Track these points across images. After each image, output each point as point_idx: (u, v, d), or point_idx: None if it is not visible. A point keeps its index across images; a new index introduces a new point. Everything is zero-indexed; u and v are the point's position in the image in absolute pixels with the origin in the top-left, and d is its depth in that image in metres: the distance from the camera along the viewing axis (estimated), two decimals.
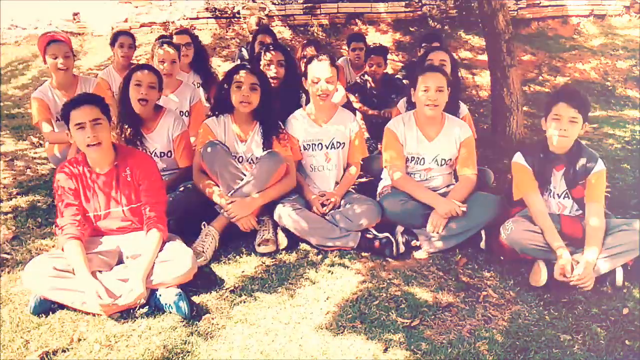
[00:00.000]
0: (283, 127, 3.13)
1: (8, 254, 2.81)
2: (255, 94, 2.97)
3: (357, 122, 3.25)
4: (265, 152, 2.99)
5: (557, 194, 2.73)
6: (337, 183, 3.19)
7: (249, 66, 3.09)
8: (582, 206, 2.68)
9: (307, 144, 3.17)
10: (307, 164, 3.19)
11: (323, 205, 3.00)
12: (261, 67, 3.49)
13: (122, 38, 4.37)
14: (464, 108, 3.48)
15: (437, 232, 2.82)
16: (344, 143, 3.19)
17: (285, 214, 2.87)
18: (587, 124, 2.63)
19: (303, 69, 4.03)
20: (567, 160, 2.67)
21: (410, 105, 3.27)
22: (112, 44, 4.41)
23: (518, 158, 2.76)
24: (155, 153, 3.17)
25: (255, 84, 2.97)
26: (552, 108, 2.61)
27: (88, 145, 2.39)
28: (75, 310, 2.28)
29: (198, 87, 4.31)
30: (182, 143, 3.19)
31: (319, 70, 3.01)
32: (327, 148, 3.16)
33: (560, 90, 3.03)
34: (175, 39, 4.21)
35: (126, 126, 3.04)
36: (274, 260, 2.76)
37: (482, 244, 2.84)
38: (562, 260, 2.45)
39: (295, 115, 3.24)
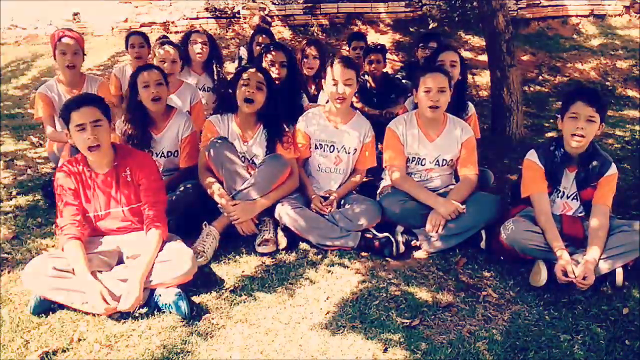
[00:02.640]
0: (287, 130, 3.13)
1: (8, 253, 2.82)
2: (260, 93, 2.97)
3: (371, 131, 3.23)
4: (268, 155, 2.99)
5: (567, 195, 2.72)
6: (339, 186, 3.18)
7: (257, 67, 3.10)
8: (588, 209, 2.67)
9: (319, 144, 3.16)
10: (315, 163, 3.18)
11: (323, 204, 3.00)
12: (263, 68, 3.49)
13: (132, 38, 4.44)
14: (471, 107, 3.47)
15: (436, 232, 2.83)
16: (355, 149, 3.18)
17: (284, 212, 2.87)
18: (603, 125, 2.61)
19: (305, 69, 4.06)
20: (580, 162, 2.66)
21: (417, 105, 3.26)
22: (126, 46, 4.49)
23: (531, 156, 2.75)
24: (163, 153, 3.18)
25: (262, 83, 2.98)
26: (570, 107, 2.58)
27: (89, 147, 2.39)
28: (75, 310, 2.28)
29: (208, 91, 4.31)
30: (189, 144, 3.21)
31: (338, 72, 2.99)
32: (338, 151, 3.15)
33: (578, 89, 2.99)
34: (192, 37, 4.22)
35: (136, 129, 3.06)
36: (274, 260, 2.76)
37: (482, 244, 2.84)
38: (561, 261, 2.45)
39: (313, 111, 3.22)
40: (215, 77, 4.36)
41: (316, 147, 3.16)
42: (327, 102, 3.22)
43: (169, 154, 3.21)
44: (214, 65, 4.37)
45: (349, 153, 3.16)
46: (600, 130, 2.60)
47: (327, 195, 3.08)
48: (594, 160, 2.65)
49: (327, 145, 3.15)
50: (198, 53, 4.18)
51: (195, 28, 7.16)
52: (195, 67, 4.30)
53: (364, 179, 3.34)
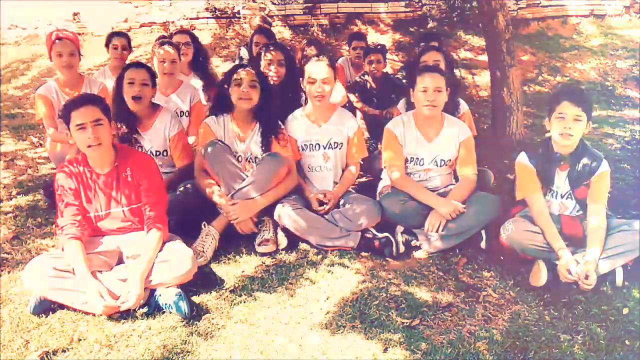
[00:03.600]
0: (283, 127, 3.13)
1: (8, 253, 2.82)
2: (254, 91, 2.98)
3: (356, 122, 3.25)
4: (266, 153, 2.99)
5: (561, 195, 2.72)
6: (335, 183, 3.19)
7: (247, 65, 3.10)
8: (585, 207, 2.67)
9: (305, 145, 3.17)
10: (305, 164, 3.20)
11: (322, 203, 3.00)
12: (262, 67, 3.49)
13: (115, 40, 4.37)
14: (463, 105, 3.48)
15: (435, 232, 2.83)
16: (342, 143, 3.18)
17: (284, 213, 2.87)
18: (590, 123, 2.61)
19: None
20: (571, 161, 2.67)
21: (410, 106, 3.28)
22: (107, 45, 4.42)
23: (522, 158, 2.76)
24: (151, 152, 3.18)
25: (255, 81, 2.98)
26: (556, 107, 2.60)
27: (89, 146, 2.39)
28: (75, 310, 2.28)
29: (200, 89, 4.30)
30: (179, 143, 3.20)
31: (315, 71, 3.01)
32: (324, 148, 3.16)
33: (563, 89, 3.01)
34: (174, 38, 4.21)
35: (121, 124, 3.04)
36: (274, 260, 2.76)
37: (483, 244, 2.84)
38: (563, 260, 2.46)
39: (294, 115, 3.24)
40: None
41: (303, 149, 3.17)
42: (307, 102, 3.23)
43: (158, 153, 3.19)
44: (204, 64, 4.36)
45: (335, 148, 3.17)
46: (587, 128, 2.61)
47: (324, 194, 3.08)
48: (584, 158, 2.65)
49: (313, 145, 3.16)
50: (182, 53, 4.17)
51: (197, 29, 7.18)
52: (181, 68, 4.28)
53: (363, 177, 3.33)
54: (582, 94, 2.63)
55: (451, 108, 3.27)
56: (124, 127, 3.05)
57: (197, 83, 4.26)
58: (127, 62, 4.52)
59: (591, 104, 2.63)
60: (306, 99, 3.73)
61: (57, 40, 3.60)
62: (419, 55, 3.60)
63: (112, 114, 3.03)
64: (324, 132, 3.16)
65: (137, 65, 3.14)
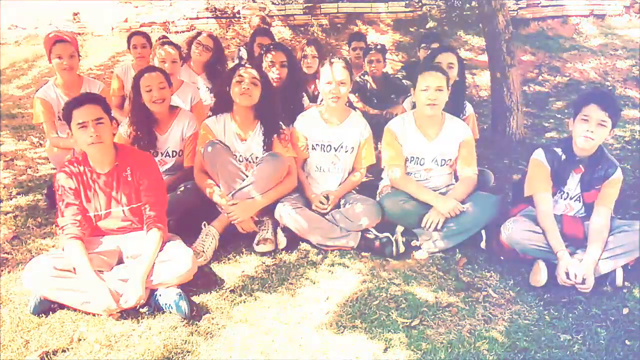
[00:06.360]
0: (284, 127, 3.13)
1: (8, 254, 2.82)
2: (256, 88, 2.98)
3: (368, 129, 3.23)
4: (267, 153, 2.99)
5: (570, 197, 2.72)
6: (339, 185, 3.18)
7: (249, 64, 3.11)
8: (590, 211, 2.67)
9: (316, 144, 3.16)
10: (313, 163, 3.19)
11: (322, 203, 3.00)
12: (263, 68, 3.49)
13: (134, 39, 4.44)
14: (469, 108, 3.48)
15: (435, 230, 2.83)
16: (353, 147, 3.18)
17: (285, 213, 2.87)
18: (614, 130, 2.59)
19: (305, 69, 4.06)
20: (587, 164, 2.66)
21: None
22: (128, 46, 4.49)
23: (539, 155, 2.73)
24: (168, 153, 3.19)
25: (256, 79, 2.98)
26: (582, 109, 2.56)
27: (90, 144, 2.39)
28: (75, 310, 2.28)
29: (207, 91, 4.31)
30: (193, 142, 3.21)
31: (332, 73, 3.00)
32: (335, 150, 3.15)
33: (592, 92, 2.96)
34: (200, 38, 4.21)
35: (141, 130, 3.07)
36: (274, 260, 2.76)
37: (483, 244, 2.84)
38: (562, 262, 2.45)
39: (308, 113, 3.23)
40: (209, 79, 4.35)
41: (313, 148, 3.16)
42: (322, 101, 3.22)
43: (174, 153, 3.22)
44: (217, 67, 4.37)
45: (346, 152, 3.16)
46: (611, 135, 2.59)
47: (326, 196, 3.08)
48: (600, 164, 2.64)
49: (325, 146, 3.15)
50: (199, 53, 4.19)
51: (197, 29, 7.16)
52: (195, 67, 4.30)
53: (364, 179, 3.34)
54: (611, 99, 2.58)
55: (457, 110, 3.27)
56: (143, 132, 3.07)
57: (188, 78, 4.24)
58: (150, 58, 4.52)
59: (619, 110, 2.58)
60: (308, 99, 3.74)
61: (56, 43, 3.58)
62: (432, 56, 3.58)
63: (131, 119, 3.06)
64: (337, 134, 3.15)
65: (150, 70, 3.14)
